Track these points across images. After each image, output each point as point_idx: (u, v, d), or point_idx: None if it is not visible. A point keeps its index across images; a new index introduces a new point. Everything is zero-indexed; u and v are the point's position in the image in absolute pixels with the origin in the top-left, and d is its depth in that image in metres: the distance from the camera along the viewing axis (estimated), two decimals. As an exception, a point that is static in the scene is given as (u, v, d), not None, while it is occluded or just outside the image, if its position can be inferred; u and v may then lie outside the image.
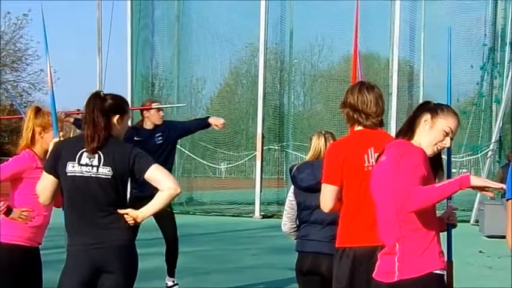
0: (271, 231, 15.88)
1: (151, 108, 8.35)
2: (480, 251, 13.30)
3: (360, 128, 4.42)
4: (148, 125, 8.38)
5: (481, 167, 20.97)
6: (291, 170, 5.43)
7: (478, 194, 19.42)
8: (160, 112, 8.48)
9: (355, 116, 4.43)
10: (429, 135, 3.79)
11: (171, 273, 8.60)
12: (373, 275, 3.81)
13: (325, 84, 26.10)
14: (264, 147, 21.10)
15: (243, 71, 28.18)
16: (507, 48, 21.59)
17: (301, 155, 21.19)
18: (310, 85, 27.83)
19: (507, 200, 3.40)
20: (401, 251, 3.67)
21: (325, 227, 5.14)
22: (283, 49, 23.69)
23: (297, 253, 5.43)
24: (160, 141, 8.30)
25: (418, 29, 22.59)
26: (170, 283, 8.61)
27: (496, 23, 22.40)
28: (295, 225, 5.47)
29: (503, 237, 12.89)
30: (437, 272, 3.69)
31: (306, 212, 5.30)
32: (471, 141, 22.06)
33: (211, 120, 8.55)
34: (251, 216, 20.18)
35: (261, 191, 20.58)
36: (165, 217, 7.98)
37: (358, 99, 4.40)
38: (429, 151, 3.78)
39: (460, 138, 21.62)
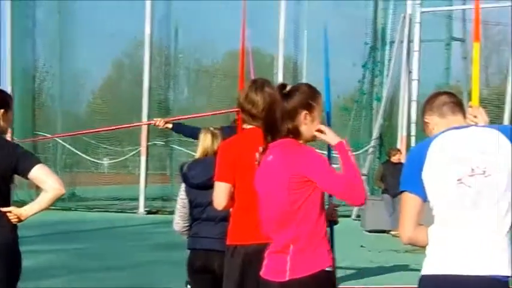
0: (157, 227, 15.77)
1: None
2: (362, 246, 13.63)
3: (250, 126, 4.41)
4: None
5: (361, 163, 21.46)
6: (181, 167, 5.38)
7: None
8: None
9: (243, 115, 4.44)
10: (312, 129, 3.83)
11: None
12: (262, 274, 3.79)
13: (209, 79, 26.14)
14: (149, 142, 20.93)
15: (127, 65, 27.85)
16: (387, 47, 22.23)
17: (187, 151, 21.14)
18: (195, 80, 27.79)
19: (401, 192, 3.48)
20: (294, 250, 3.69)
21: (217, 223, 5.13)
22: (168, 44, 23.56)
23: (188, 251, 5.40)
24: None
25: (302, 27, 22.93)
26: None
27: (377, 22, 23.03)
28: (187, 224, 5.43)
29: (384, 231, 13.49)
30: (327, 269, 3.72)
31: (198, 209, 5.27)
32: (352, 137, 22.54)
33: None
34: (135, 212, 19.97)
35: (145, 187, 20.40)
36: None
37: (246, 99, 4.39)
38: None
39: (341, 134, 22.05)
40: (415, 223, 3.44)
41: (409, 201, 3.45)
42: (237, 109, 8.11)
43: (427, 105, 3.67)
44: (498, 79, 29.97)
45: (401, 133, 19.90)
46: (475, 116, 3.69)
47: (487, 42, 34.11)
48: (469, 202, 3.31)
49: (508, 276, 3.29)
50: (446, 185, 3.35)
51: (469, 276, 3.25)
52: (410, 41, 20.03)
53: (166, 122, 8.05)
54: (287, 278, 3.67)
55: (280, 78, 19.83)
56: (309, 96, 3.85)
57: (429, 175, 3.38)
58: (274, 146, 3.77)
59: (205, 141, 5.42)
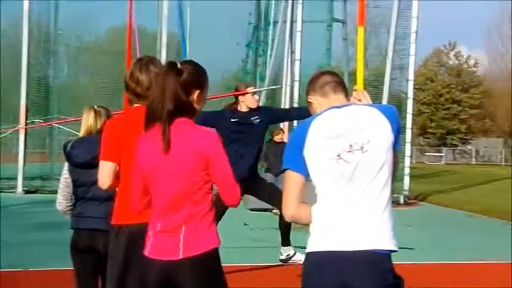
0: (36, 206, 15.42)
1: (247, 93, 8.36)
2: (245, 224, 13.77)
3: (137, 104, 4.36)
4: (243, 108, 8.43)
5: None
6: (64, 146, 5.26)
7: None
8: (255, 96, 8.56)
9: (129, 94, 4.39)
10: (199, 109, 3.85)
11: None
12: (147, 253, 3.76)
13: (90, 56, 25.66)
14: (28, 120, 20.37)
15: (4, 42, 26.92)
16: (270, 27, 22.42)
17: (67, 129, 20.67)
18: (76, 57, 27.22)
19: (284, 170, 3.54)
20: (186, 230, 3.69)
21: (102, 203, 5.07)
22: (47, 20, 22.92)
23: (72, 230, 5.30)
24: (258, 122, 8.36)
25: (185, 4, 22.79)
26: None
27: (260, 2, 23.19)
28: (70, 203, 5.32)
29: (266, 210, 13.66)
30: (218, 247, 3.77)
31: (82, 188, 5.18)
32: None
33: None
34: (13, 192, 19.45)
35: (24, 165, 19.88)
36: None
37: (131, 78, 4.34)
38: None
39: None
40: (298, 201, 3.51)
41: (292, 179, 3.51)
42: (244, 91, 8.38)
43: (310, 85, 3.72)
44: (377, 60, 30.83)
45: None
46: (360, 100, 3.78)
47: (366, 24, 34.82)
48: (348, 178, 3.39)
49: (389, 250, 3.39)
50: (325, 161, 3.42)
51: (350, 251, 3.33)
52: (293, 22, 20.28)
53: None
54: (180, 257, 3.67)
55: (164, 56, 19.68)
56: (201, 76, 3.85)
57: (310, 153, 3.45)
58: (175, 125, 3.72)
59: (88, 120, 5.31)
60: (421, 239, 12.53)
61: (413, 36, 20.90)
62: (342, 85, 3.70)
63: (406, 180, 20.72)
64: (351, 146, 3.41)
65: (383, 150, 3.42)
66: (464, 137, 71.89)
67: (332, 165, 3.41)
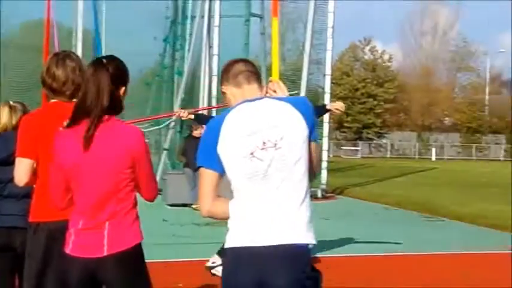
0: None
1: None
2: (164, 220, 13.71)
3: (54, 100, 4.29)
4: None
5: (163, 138, 21.51)
6: (-21, 143, 5.12)
7: (161, 165, 19.97)
8: None
9: (45, 89, 4.32)
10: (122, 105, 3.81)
11: None
12: (69, 251, 3.71)
13: (4, 51, 25.02)
14: None
15: None
16: (188, 21, 22.33)
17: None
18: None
19: (199, 167, 3.54)
20: (110, 226, 3.66)
21: (20, 200, 4.96)
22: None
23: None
24: None
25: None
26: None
27: (178, -4, 23.07)
28: None
29: (186, 205, 13.56)
30: (141, 242, 3.78)
31: (-1, 186, 5.07)
32: (153, 112, 22.53)
33: (330, 106, 9.04)
34: None
35: None
36: None
37: (47, 73, 4.27)
38: None
39: (142, 109, 22.00)
40: (214, 197, 3.52)
41: (206, 176, 3.51)
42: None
43: (223, 74, 3.68)
44: (294, 55, 31.01)
45: (202, 106, 20.12)
46: (275, 91, 3.79)
47: (283, 19, 35.05)
48: (262, 175, 3.40)
49: (306, 244, 3.42)
50: (239, 159, 3.42)
51: (266, 246, 3.35)
52: (210, 16, 20.25)
53: (189, 113, 8.72)
54: (105, 253, 3.64)
55: (79, 51, 19.37)
56: (125, 71, 3.82)
57: (223, 150, 3.44)
58: (103, 122, 3.67)
59: (3, 116, 5.19)
60: (338, 232, 12.71)
61: (330, 31, 21.16)
62: (256, 74, 3.67)
63: (324, 174, 20.97)
64: (264, 143, 3.41)
65: (297, 146, 3.43)
66: (380, 131, 73.22)
67: (246, 163, 3.41)
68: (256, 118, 3.45)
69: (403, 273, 9.31)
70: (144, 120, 11.15)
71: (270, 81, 3.88)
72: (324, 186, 20.84)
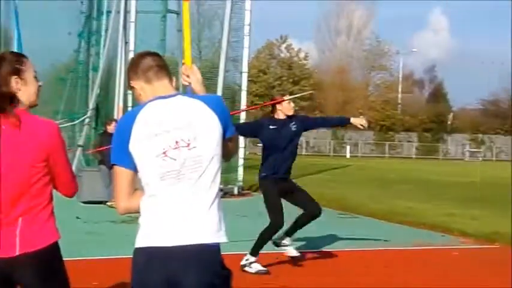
0: None
1: (284, 101, 9.00)
2: (77, 217, 13.48)
3: None
4: (281, 116, 9.04)
5: (77, 134, 21.16)
6: None
7: (75, 161, 19.65)
8: (291, 103, 9.16)
9: None
10: (29, 91, 3.70)
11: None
12: None
13: None
14: None
15: None
16: (104, 17, 22.04)
17: None
18: None
19: (113, 165, 3.49)
20: (23, 224, 3.56)
21: None
22: None
23: None
24: (295, 129, 9.01)
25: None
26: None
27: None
28: None
29: (100, 202, 13.36)
30: (58, 240, 3.71)
31: None
32: (68, 108, 22.18)
33: (353, 120, 9.37)
34: None
35: None
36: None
37: None
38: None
39: (56, 105, 21.61)
40: (129, 194, 3.48)
41: (120, 174, 3.47)
42: (281, 99, 8.98)
43: (132, 69, 3.62)
44: (210, 52, 30.99)
45: (118, 103, 19.92)
46: (188, 76, 3.75)
47: (199, 17, 35.05)
48: (174, 175, 3.37)
49: (218, 243, 3.41)
50: (151, 158, 3.38)
51: (177, 246, 3.32)
52: (126, 12, 20.04)
53: None
54: (17, 253, 3.55)
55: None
56: (15, 62, 3.70)
57: (136, 148, 3.40)
58: (9, 116, 3.56)
59: None
60: (256, 229, 12.75)
61: (246, 29, 21.21)
62: (165, 69, 3.61)
63: (240, 171, 21.01)
64: (176, 142, 3.38)
65: (211, 145, 3.42)
66: (295, 129, 73.80)
67: (158, 162, 3.38)
68: (168, 116, 3.41)
69: (315, 270, 9.40)
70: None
71: (183, 64, 3.82)
72: (240, 183, 20.88)
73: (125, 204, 3.49)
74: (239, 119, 20.95)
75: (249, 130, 9.50)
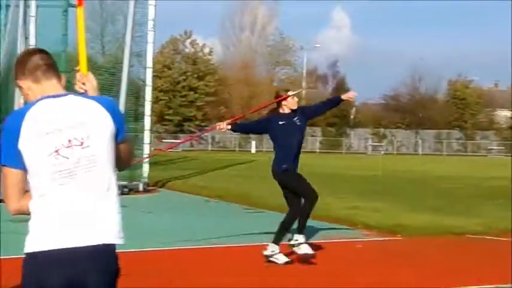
0: None
1: (288, 96, 9.45)
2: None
3: None
4: (286, 110, 9.52)
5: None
6: None
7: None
8: (295, 98, 9.59)
9: None
10: None
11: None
12: None
13: None
14: None
15: None
16: (2, 11, 21.43)
17: None
18: None
19: (2, 166, 3.37)
20: None
21: None
22: None
23: None
24: (300, 123, 9.51)
25: None
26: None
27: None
28: None
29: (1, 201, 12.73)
30: None
31: None
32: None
33: (344, 96, 9.81)
34: None
35: None
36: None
37: None
38: None
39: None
40: (21, 194, 3.38)
41: (10, 175, 3.36)
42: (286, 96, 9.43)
43: (19, 66, 3.48)
44: (114, 47, 30.60)
45: (18, 100, 19.41)
46: (84, 83, 3.66)
47: (103, 12, 34.57)
48: (67, 174, 3.29)
49: (113, 244, 3.34)
50: (43, 156, 3.29)
51: (74, 248, 3.24)
52: (26, 6, 19.54)
53: (228, 124, 9.50)
54: None
55: None
56: None
57: (25, 147, 3.29)
58: None
59: None
60: (161, 225, 12.69)
61: (150, 23, 21.03)
62: (54, 68, 3.50)
63: (145, 167, 20.83)
64: (69, 141, 3.30)
65: (104, 144, 3.35)
66: (201, 124, 73.73)
67: (50, 161, 3.28)
68: (59, 115, 3.32)
69: (222, 264, 9.39)
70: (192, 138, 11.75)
71: (77, 71, 3.72)
72: (145, 180, 20.70)
73: (15, 206, 3.37)
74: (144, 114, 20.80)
75: (258, 128, 10.09)
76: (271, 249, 9.34)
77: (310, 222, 13.90)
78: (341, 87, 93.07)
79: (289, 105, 9.53)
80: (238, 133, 9.89)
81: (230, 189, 20.22)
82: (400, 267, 9.25)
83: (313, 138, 76.48)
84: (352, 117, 78.80)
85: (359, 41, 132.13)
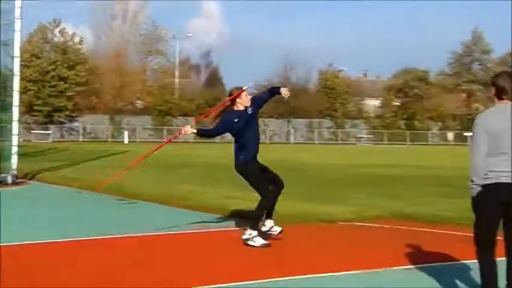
0: None
1: (242, 91, 10.13)
2: None
3: None
4: (241, 107, 10.14)
5: None
6: None
7: None
8: (248, 96, 10.21)
9: None
10: None
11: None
12: None
13: None
14: None
15: None
16: None
17: None
18: None
19: None
20: None
21: None
22: None
23: None
24: (251, 112, 10.13)
25: None
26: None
27: None
28: None
29: None
30: None
31: None
32: None
33: (282, 90, 10.24)
34: None
35: None
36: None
37: None
38: None
39: None
40: None
41: None
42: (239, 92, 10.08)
43: None
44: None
45: None
46: None
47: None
48: None
49: None
50: None
51: None
52: None
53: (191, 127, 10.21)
54: None
55: None
56: None
57: None
58: None
59: None
60: (32, 218, 12.32)
61: (17, 11, 20.34)
62: None
63: (14, 159, 20.18)
64: None
65: None
66: (71, 114, 72.21)
67: None
68: None
69: (90, 257, 9.22)
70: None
71: None
72: (14, 172, 20.05)
73: None
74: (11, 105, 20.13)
75: (224, 129, 10.26)
76: (249, 232, 9.89)
77: (187, 212, 13.92)
78: (214, 77, 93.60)
79: (243, 103, 10.14)
80: (203, 137, 10.24)
81: (103, 179, 19.86)
82: (269, 255, 9.35)
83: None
84: (225, 107, 79.01)
85: (231, 31, 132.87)
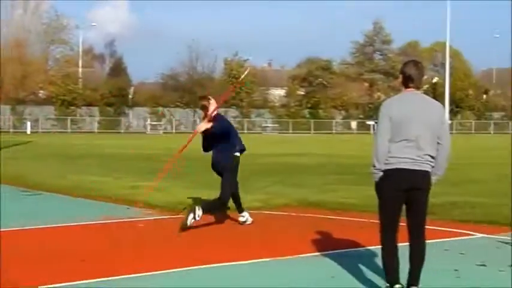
0: None
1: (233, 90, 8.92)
2: None
3: None
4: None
5: None
6: None
7: None
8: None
9: None
10: None
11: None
12: None
13: None
14: None
15: None
16: None
17: None
18: None
19: None
20: None
21: None
22: None
23: None
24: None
25: None
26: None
27: None
28: None
29: None
30: None
31: None
32: None
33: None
34: None
35: None
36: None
37: None
38: None
39: None
40: None
41: None
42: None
43: None
44: None
45: None
46: None
47: None
48: None
49: None
50: None
51: None
52: None
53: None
54: None
55: None
56: None
57: None
58: None
59: None
60: None
61: None
62: None
63: None
64: None
65: None
66: (-28, 105, 70.12)
67: None
68: None
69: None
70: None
71: None
72: None
73: None
74: None
75: (230, 126, 11.07)
76: (246, 216, 11.09)
77: (91, 203, 13.73)
78: (119, 67, 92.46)
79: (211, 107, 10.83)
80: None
81: (6, 171, 19.40)
82: (181, 243, 9.33)
83: (91, 118, 75.22)
84: (130, 96, 78.30)
85: (136, 20, 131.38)
